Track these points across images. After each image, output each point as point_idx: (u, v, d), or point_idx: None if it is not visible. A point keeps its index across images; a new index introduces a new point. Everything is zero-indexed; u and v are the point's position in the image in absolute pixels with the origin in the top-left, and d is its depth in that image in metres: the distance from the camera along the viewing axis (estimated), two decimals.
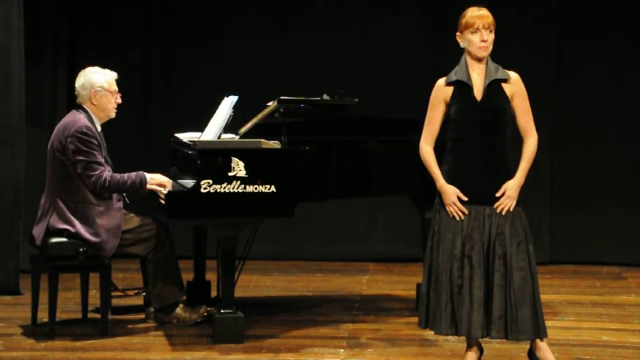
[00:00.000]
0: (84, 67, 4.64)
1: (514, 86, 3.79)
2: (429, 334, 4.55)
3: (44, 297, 4.52)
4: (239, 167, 4.30)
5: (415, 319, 4.84)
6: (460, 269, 3.70)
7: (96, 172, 4.40)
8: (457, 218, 3.73)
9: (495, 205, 3.73)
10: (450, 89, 3.79)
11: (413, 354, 4.23)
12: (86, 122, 4.48)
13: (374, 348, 4.32)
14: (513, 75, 3.81)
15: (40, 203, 4.56)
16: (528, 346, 3.92)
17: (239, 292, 4.54)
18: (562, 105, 6.27)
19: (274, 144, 4.52)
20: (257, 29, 6.45)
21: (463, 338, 4.47)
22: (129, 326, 4.65)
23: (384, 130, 5.08)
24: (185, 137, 4.90)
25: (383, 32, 6.40)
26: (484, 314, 3.69)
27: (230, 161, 4.29)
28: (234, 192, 4.29)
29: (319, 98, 4.70)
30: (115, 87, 4.57)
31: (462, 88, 3.76)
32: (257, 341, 4.38)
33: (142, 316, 4.77)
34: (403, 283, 5.69)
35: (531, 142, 3.81)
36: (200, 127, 4.81)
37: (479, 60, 3.76)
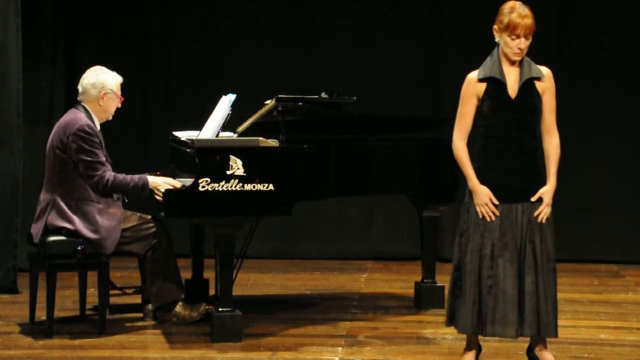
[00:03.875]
0: (82, 65, 4.64)
1: (546, 83, 3.75)
2: (427, 331, 4.56)
3: (41, 296, 4.52)
4: (237, 166, 4.30)
5: (413, 317, 4.86)
6: (491, 268, 3.66)
7: (99, 172, 4.39)
8: (488, 219, 3.67)
9: (535, 214, 3.69)
10: (483, 85, 3.71)
11: (411, 352, 4.23)
12: (87, 120, 4.47)
13: (372, 346, 4.32)
14: (546, 72, 3.76)
15: (38, 201, 4.55)
16: (525, 344, 3.92)
17: (237, 291, 4.53)
18: (560, 104, 6.25)
19: (272, 143, 4.51)
20: (255, 28, 6.44)
21: (462, 336, 4.47)
22: (127, 324, 4.65)
23: (382, 129, 5.08)
24: (184, 135, 4.89)
25: (381, 30, 6.40)
26: (518, 312, 3.67)
27: (229, 159, 4.29)
28: (232, 190, 4.29)
29: (317, 96, 4.70)
30: (120, 92, 4.58)
31: (496, 85, 3.69)
32: (255, 339, 4.38)
33: (140, 315, 4.77)
34: (401, 281, 5.69)
35: (556, 142, 3.76)
36: (199, 126, 4.81)
37: (512, 62, 3.70)
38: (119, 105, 4.60)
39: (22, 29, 5.44)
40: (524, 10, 3.68)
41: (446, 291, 3.93)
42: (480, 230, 3.69)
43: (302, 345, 4.31)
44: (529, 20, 3.66)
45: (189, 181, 4.48)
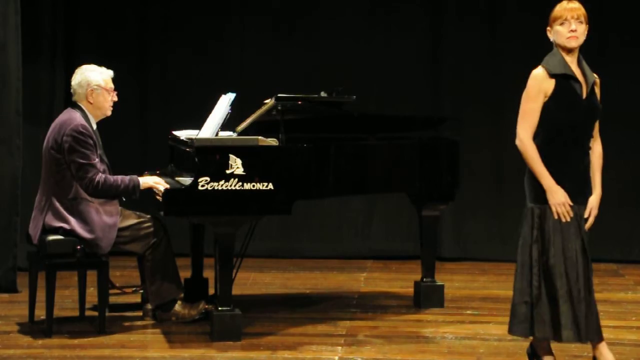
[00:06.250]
0: (81, 63, 4.63)
1: (598, 88, 3.71)
2: (427, 330, 4.56)
3: (41, 295, 4.51)
4: (236, 165, 4.30)
5: (413, 316, 4.86)
6: (576, 272, 3.58)
7: (89, 175, 4.38)
8: (563, 219, 3.58)
9: (587, 226, 3.64)
10: (553, 82, 3.59)
11: (411, 351, 4.22)
12: (82, 120, 4.46)
13: (372, 345, 4.32)
14: (597, 77, 3.72)
15: (35, 201, 4.55)
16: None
17: (236, 290, 4.53)
18: None
19: (272, 142, 4.51)
20: (255, 27, 6.44)
21: (461, 336, 4.47)
22: (127, 324, 4.65)
23: (382, 128, 5.07)
24: (183, 134, 4.89)
25: (381, 29, 6.39)
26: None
27: (228, 159, 4.29)
28: (231, 189, 4.28)
29: (316, 95, 4.69)
30: (111, 85, 4.55)
31: (567, 83, 3.60)
32: (254, 338, 4.38)
33: (140, 314, 4.76)
34: (401, 280, 5.69)
35: (601, 150, 3.70)
36: (198, 125, 4.80)
37: (569, 52, 3.61)
38: (115, 99, 4.57)
39: (21, 27, 5.43)
40: (570, 1, 3.64)
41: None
42: (560, 233, 3.58)
43: (302, 344, 4.31)
44: (575, 4, 3.63)
45: (187, 180, 4.48)
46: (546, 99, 3.61)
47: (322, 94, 4.71)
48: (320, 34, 6.39)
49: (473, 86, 6.34)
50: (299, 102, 4.60)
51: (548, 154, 3.61)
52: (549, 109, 3.61)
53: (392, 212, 6.34)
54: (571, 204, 3.59)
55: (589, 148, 3.68)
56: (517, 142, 3.63)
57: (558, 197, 3.58)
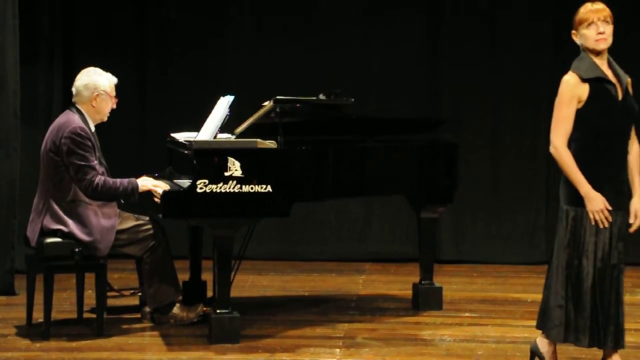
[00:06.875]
0: (79, 66, 4.63)
1: (631, 87, 3.65)
2: (425, 333, 4.56)
3: (39, 298, 4.50)
4: (235, 167, 4.29)
5: (411, 319, 4.86)
6: (605, 278, 3.54)
7: (88, 177, 4.37)
8: (601, 225, 3.51)
9: (631, 229, 3.59)
10: (587, 86, 3.52)
11: (409, 354, 4.22)
12: (80, 123, 4.46)
13: (370, 348, 4.31)
14: (629, 78, 3.65)
15: (33, 203, 4.54)
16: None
17: (235, 292, 4.53)
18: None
19: (270, 144, 4.51)
20: (254, 29, 6.44)
21: (460, 338, 4.47)
22: (125, 326, 4.64)
23: (380, 130, 5.07)
24: (181, 137, 4.88)
25: (379, 32, 6.39)
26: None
27: (227, 161, 4.29)
28: (230, 192, 4.28)
29: (315, 98, 4.69)
30: (114, 93, 4.57)
31: (602, 86, 3.53)
32: (253, 341, 4.38)
33: (138, 316, 4.76)
34: (399, 283, 5.69)
35: (638, 151, 3.64)
36: (197, 127, 4.80)
37: (598, 54, 3.55)
38: (114, 107, 4.59)
39: (19, 30, 5.43)
40: (594, 3, 3.59)
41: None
42: (594, 238, 3.52)
43: (300, 346, 4.30)
44: (600, 6, 3.57)
45: (185, 182, 4.48)
46: (581, 104, 3.54)
47: (321, 96, 4.71)
48: (320, 36, 6.39)
49: (472, 88, 6.34)
50: (297, 105, 4.60)
51: (587, 160, 3.54)
52: (586, 114, 3.53)
53: (390, 215, 6.34)
54: (610, 208, 3.53)
55: (627, 152, 3.61)
56: (552, 149, 3.57)
57: (597, 204, 3.51)
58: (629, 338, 4.44)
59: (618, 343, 3.60)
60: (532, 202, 6.35)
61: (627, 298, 5.36)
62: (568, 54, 6.24)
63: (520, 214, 6.37)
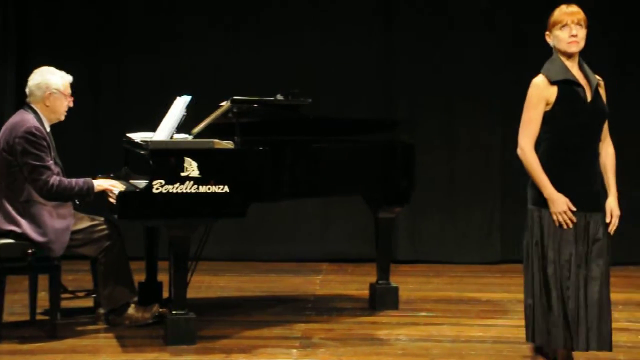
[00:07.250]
0: (33, 63, 4.56)
1: (603, 90, 3.68)
2: (382, 332, 4.59)
3: None
4: (191, 167, 4.28)
5: (367, 318, 4.88)
6: (568, 279, 3.54)
7: (43, 177, 4.32)
8: (565, 226, 3.54)
9: (610, 229, 3.61)
10: (555, 89, 3.55)
11: (365, 354, 4.24)
12: (35, 122, 4.40)
13: (327, 348, 4.33)
14: (600, 79, 3.67)
15: None
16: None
17: (191, 293, 4.50)
18: (513, 100, 6.32)
19: (227, 144, 4.50)
20: (210, 29, 6.41)
21: (416, 337, 4.50)
22: (79, 328, 4.59)
23: (338, 131, 5.09)
24: (138, 137, 4.85)
25: (337, 32, 6.41)
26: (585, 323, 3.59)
27: (183, 161, 4.26)
28: (186, 192, 4.26)
29: (272, 98, 4.69)
30: (69, 91, 4.51)
31: (570, 88, 3.56)
32: (209, 342, 4.36)
33: (92, 318, 4.71)
34: (356, 283, 5.71)
35: (612, 151, 3.67)
36: (153, 127, 4.77)
37: (569, 57, 3.57)
38: (70, 105, 4.53)
39: None
40: (569, 5, 3.61)
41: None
42: (558, 240, 3.55)
43: (257, 347, 4.30)
44: (574, 9, 3.59)
45: (141, 183, 4.44)
46: (549, 106, 3.57)
47: (278, 96, 4.70)
48: (277, 37, 6.38)
49: (425, 88, 6.37)
50: (255, 105, 4.60)
51: (556, 161, 3.58)
52: (554, 115, 3.56)
53: (347, 215, 6.36)
54: (573, 209, 3.55)
55: (598, 151, 3.64)
56: (519, 151, 3.60)
57: (559, 206, 3.54)
58: (622, 337, 4.45)
59: (590, 345, 3.59)
60: (487, 203, 6.42)
61: (620, 297, 5.41)
62: (523, 52, 6.37)
63: (475, 214, 6.44)
